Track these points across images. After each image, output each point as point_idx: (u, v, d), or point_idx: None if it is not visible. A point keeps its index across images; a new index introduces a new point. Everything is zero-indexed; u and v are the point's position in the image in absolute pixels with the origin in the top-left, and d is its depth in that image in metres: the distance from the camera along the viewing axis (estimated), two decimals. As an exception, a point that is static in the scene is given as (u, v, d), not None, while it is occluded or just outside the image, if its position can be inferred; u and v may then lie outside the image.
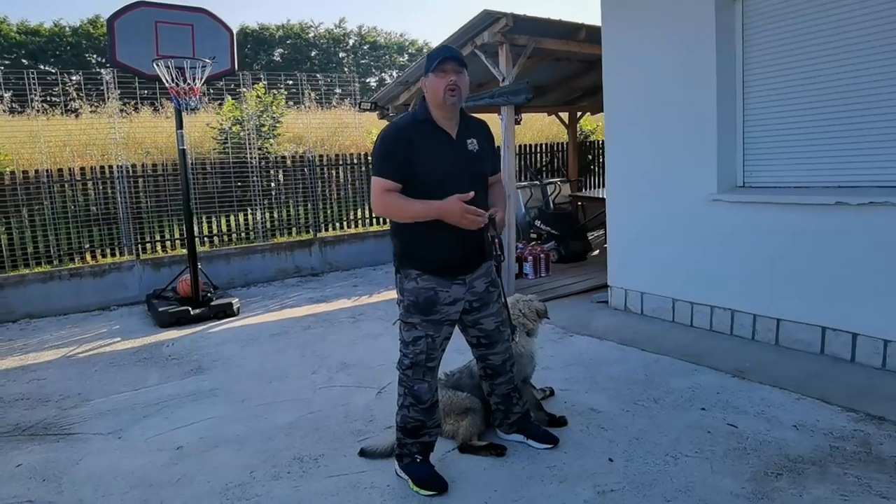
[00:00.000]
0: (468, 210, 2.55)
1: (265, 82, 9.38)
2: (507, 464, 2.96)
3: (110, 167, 6.95)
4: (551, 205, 8.87)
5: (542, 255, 7.05)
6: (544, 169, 10.37)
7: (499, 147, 10.34)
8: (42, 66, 30.89)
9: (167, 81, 5.29)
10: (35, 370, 4.71)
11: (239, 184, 7.86)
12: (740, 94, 4.55)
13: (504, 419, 3.14)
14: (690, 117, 4.70)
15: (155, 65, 5.24)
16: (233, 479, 2.95)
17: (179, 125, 5.72)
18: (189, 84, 5.38)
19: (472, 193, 2.58)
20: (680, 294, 4.99)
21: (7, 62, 33.18)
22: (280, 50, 44.92)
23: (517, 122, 6.26)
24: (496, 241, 2.72)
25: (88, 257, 6.85)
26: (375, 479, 2.90)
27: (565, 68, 7.68)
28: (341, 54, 47.12)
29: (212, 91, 9.33)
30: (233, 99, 9.99)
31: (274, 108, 10.14)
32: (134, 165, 7.16)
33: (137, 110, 11.77)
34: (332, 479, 2.91)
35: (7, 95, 10.38)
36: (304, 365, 4.55)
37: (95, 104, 8.87)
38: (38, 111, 9.94)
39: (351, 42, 47.96)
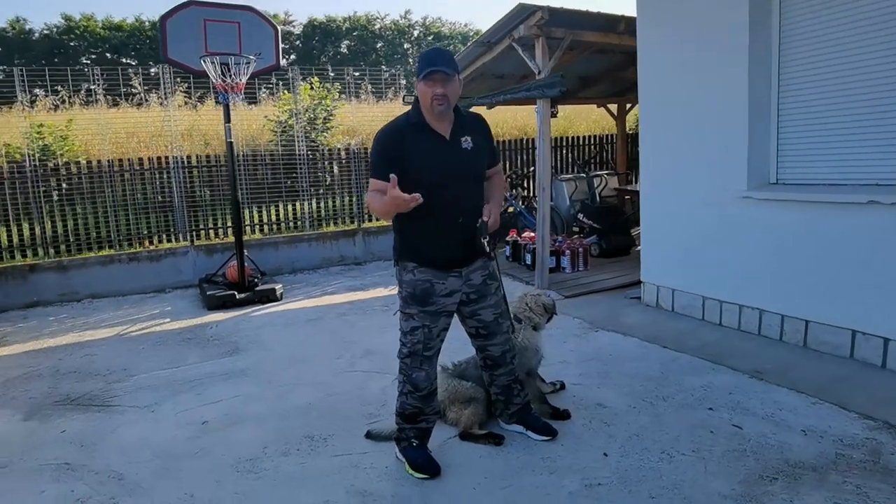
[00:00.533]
0: (402, 197, 2.52)
1: (314, 77, 9.64)
2: (503, 453, 3.04)
3: (167, 158, 7.40)
4: (597, 198, 8.77)
5: (580, 249, 7.00)
6: (592, 161, 10.22)
7: (533, 139, 10.22)
8: (123, 60, 32.83)
9: (213, 77, 5.60)
10: (90, 346, 5.14)
11: (289, 175, 8.18)
12: (775, 87, 4.39)
13: (504, 409, 3.22)
14: (720, 112, 4.57)
15: (202, 61, 5.55)
16: (246, 453, 3.17)
17: (227, 119, 6.04)
18: (234, 80, 5.66)
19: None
20: (709, 292, 4.88)
21: (94, 56, 35.47)
22: (347, 42, 45.82)
23: (553, 115, 6.24)
24: (485, 240, 2.80)
25: (146, 242, 7.34)
26: (376, 460, 3.04)
27: (609, 60, 7.56)
28: (406, 45, 47.60)
29: (269, 84, 9.74)
30: (288, 92, 10.40)
31: (327, 101, 10.46)
32: (189, 156, 7.60)
33: (202, 102, 12.39)
34: (336, 458, 3.08)
35: (89, 88, 11.19)
36: (332, 350, 4.75)
37: (163, 97, 9.38)
38: (109, 104, 10.67)
39: (416, 33, 48.35)
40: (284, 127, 9.10)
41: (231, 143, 6.10)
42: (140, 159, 7.45)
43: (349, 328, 5.32)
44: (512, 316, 3.45)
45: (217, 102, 13.18)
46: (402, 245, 2.88)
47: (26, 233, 6.82)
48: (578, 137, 10.47)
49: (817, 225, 4.06)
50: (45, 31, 34.91)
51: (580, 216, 8.00)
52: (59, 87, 9.42)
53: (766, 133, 4.44)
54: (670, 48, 4.96)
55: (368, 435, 3.27)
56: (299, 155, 8.22)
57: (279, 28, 6.22)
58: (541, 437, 3.13)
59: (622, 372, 4.00)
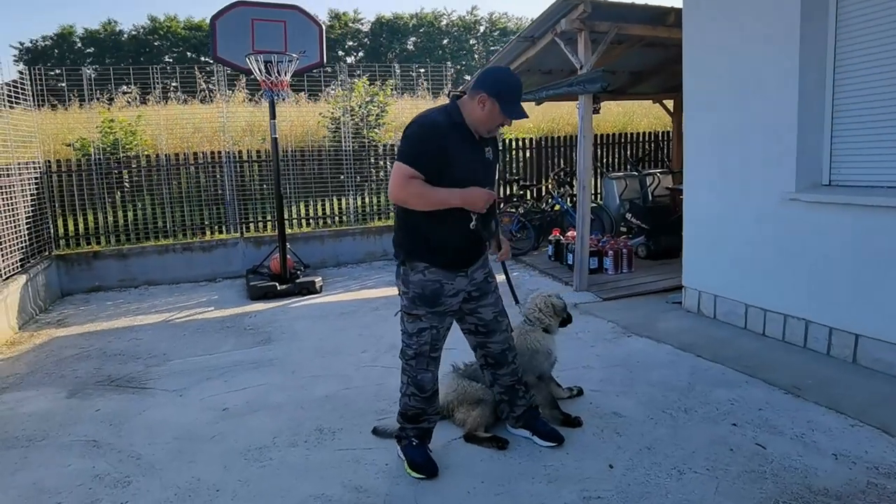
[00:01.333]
0: (491, 195, 2.69)
1: (363, 77, 9.76)
2: (505, 457, 2.98)
3: (219, 153, 7.70)
4: (649, 197, 8.46)
5: (623, 250, 6.78)
6: (645, 159, 9.86)
7: (564, 137, 9.99)
8: (202, 58, 34.44)
9: (258, 74, 5.77)
10: (138, 330, 5.42)
11: (336, 170, 8.34)
12: (830, 78, 4.07)
13: (510, 412, 3.15)
14: (767, 106, 4.30)
15: (247, 59, 5.73)
16: (258, 441, 3.26)
17: (272, 115, 6.21)
18: (279, 77, 5.81)
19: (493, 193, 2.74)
20: (753, 299, 4.60)
21: (175, 54, 37.43)
22: (413, 39, 46.26)
23: (596, 112, 6.06)
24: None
25: (200, 234, 7.67)
26: (378, 456, 3.05)
27: (662, 53, 7.24)
28: (472, 41, 47.54)
29: (331, 81, 9.96)
30: (343, 89, 10.60)
31: (380, 97, 10.59)
32: (240, 152, 7.88)
33: (264, 98, 12.83)
34: (340, 452, 3.11)
35: (167, 85, 11.83)
36: (359, 344, 4.81)
37: (218, 94, 9.76)
38: (181, 101, 11.21)
39: (482, 29, 48.22)
40: (338, 123, 9.29)
41: (276, 138, 6.27)
42: (195, 154, 7.79)
43: (380, 323, 5.36)
44: (524, 317, 3.38)
45: (259, 99, 13.66)
46: (414, 245, 2.80)
47: (91, 222, 7.27)
48: (632, 134, 10.14)
49: (874, 232, 3.74)
50: (133, 32, 37.13)
51: (628, 215, 7.75)
52: (144, 85, 9.96)
53: (818, 129, 4.14)
54: (714, 38, 4.71)
55: (375, 431, 3.28)
56: (345, 151, 8.35)
57: (324, 27, 6.33)
58: (546, 443, 3.05)
59: (646, 380, 3.83)
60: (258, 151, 8.03)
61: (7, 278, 5.62)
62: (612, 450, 3.01)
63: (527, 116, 2.72)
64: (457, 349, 3.53)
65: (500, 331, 3.02)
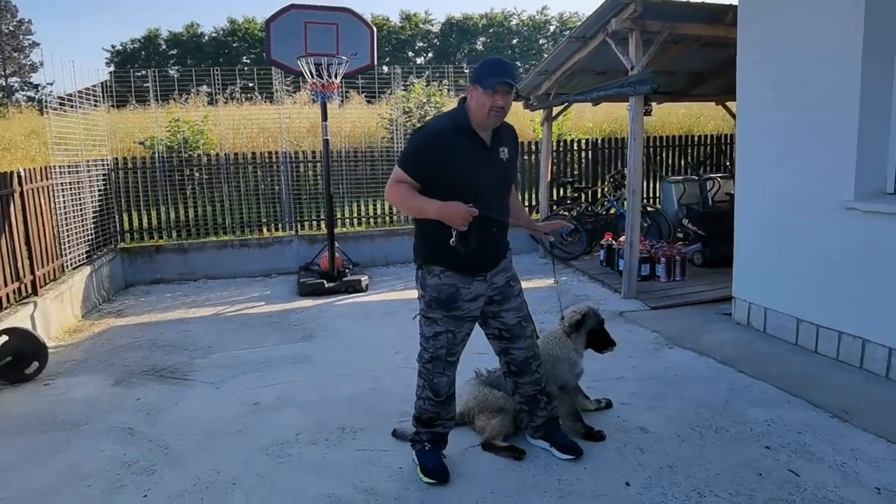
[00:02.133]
0: (471, 213, 2.55)
1: (426, 75, 9.82)
2: (519, 468, 2.93)
3: (276, 153, 7.95)
4: (709, 202, 8.10)
5: (676, 257, 6.51)
6: (706, 162, 9.44)
7: (651, 137, 9.71)
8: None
9: (308, 76, 5.91)
10: (189, 323, 5.68)
11: (389, 170, 8.44)
12: (897, 81, 3.75)
13: (529, 422, 3.10)
14: (822, 107, 4.01)
15: (298, 61, 5.89)
16: (281, 437, 3.34)
17: (324, 117, 6.35)
18: (329, 79, 5.94)
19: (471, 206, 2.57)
20: (805, 314, 4.32)
21: (253, 55, 39.00)
22: (483, 39, 46.29)
23: (647, 114, 5.85)
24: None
25: (257, 231, 7.96)
26: (394, 459, 3.07)
27: (723, 54, 6.89)
28: (542, 41, 47.06)
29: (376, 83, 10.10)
30: (402, 91, 10.73)
31: (437, 98, 10.65)
32: (295, 152, 8.11)
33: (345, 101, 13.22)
34: (358, 452, 3.15)
35: (244, 86, 12.38)
36: (394, 344, 4.84)
37: (284, 95, 10.05)
38: (254, 101, 11.65)
39: (552, 28, 47.64)
40: (396, 125, 9.41)
41: (326, 140, 6.41)
42: (253, 154, 8.08)
43: (417, 324, 5.37)
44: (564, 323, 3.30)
45: (313, 101, 14.04)
46: (430, 248, 2.81)
47: (154, 218, 7.69)
48: (694, 136, 9.74)
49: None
50: (213, 34, 38.97)
51: (684, 221, 7.44)
52: (220, 85, 10.42)
53: (882, 132, 3.82)
54: (769, 35, 4.43)
55: (395, 433, 3.29)
56: (398, 151, 8.44)
57: (374, 29, 6.42)
58: (564, 456, 2.97)
59: (680, 395, 3.67)
60: (313, 152, 8.24)
61: (73, 269, 6.02)
62: (632, 467, 2.89)
63: (506, 84, 2.56)
64: (488, 353, 3.48)
65: (524, 337, 2.97)
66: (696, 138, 9.75)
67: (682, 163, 9.56)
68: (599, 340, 3.27)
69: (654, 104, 9.99)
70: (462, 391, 3.38)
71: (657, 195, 9.23)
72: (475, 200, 2.59)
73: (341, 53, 6.11)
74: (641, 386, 3.84)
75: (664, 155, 9.57)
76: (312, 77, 5.94)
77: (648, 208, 8.26)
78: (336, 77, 6.00)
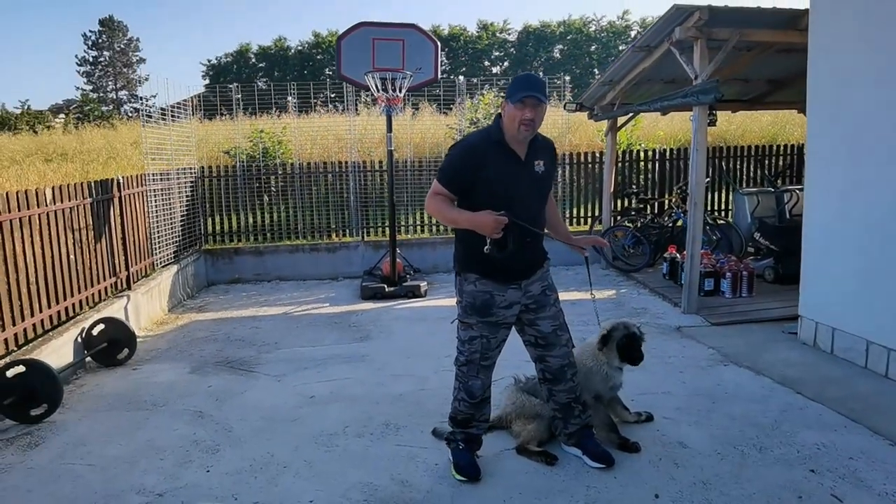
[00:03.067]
0: (499, 221, 2.66)
1: (487, 88, 9.97)
2: (550, 472, 3.00)
3: (345, 163, 8.34)
4: (786, 215, 7.75)
5: (743, 272, 6.29)
6: (786, 173, 9.01)
7: (726, 147, 9.40)
8: (357, 72, 37.00)
9: (374, 91, 6.20)
10: (260, 320, 6.08)
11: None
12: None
13: (563, 429, 3.15)
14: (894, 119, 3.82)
15: (365, 77, 6.19)
16: (330, 428, 3.57)
17: (389, 129, 6.63)
18: (395, 93, 6.21)
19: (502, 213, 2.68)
20: (875, 335, 4.10)
21: (335, 67, 40.54)
22: (560, 46, 45.88)
23: (712, 124, 5.72)
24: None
25: (327, 237, 8.37)
26: (431, 455, 3.22)
27: (802, 59, 6.58)
28: (622, 47, 46.13)
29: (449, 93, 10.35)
30: (472, 101, 10.96)
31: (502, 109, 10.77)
32: (364, 162, 8.47)
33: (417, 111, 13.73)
34: (397, 448, 3.32)
35: (326, 98, 13.06)
36: (444, 347, 4.93)
37: (353, 107, 10.50)
38: (332, 111, 12.20)
39: (633, 34, 46.55)
40: (462, 135, 9.61)
41: (391, 151, 6.68)
42: (325, 164, 8.51)
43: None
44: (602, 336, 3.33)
45: (396, 112, 14.49)
46: (466, 256, 2.94)
47: (234, 222, 8.25)
48: (775, 146, 9.32)
49: None
50: (299, 48, 40.84)
51: (756, 235, 7.16)
52: (303, 96, 11.02)
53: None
54: (839, 42, 4.27)
55: (434, 432, 3.44)
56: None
57: (438, 44, 6.64)
58: (596, 464, 3.02)
59: (727, 413, 3.59)
60: (381, 161, 8.57)
61: (162, 267, 6.59)
62: (664, 480, 2.90)
63: (533, 96, 2.65)
64: (514, 361, 3.58)
65: (560, 345, 3.04)
66: (776, 148, 9.33)
67: (760, 174, 9.17)
68: (630, 354, 3.28)
69: (730, 112, 9.71)
70: (500, 397, 3.49)
71: (731, 207, 8.90)
72: (508, 210, 2.69)
73: (406, 68, 6.37)
74: (687, 402, 3.79)
75: (741, 165, 9.22)
76: (378, 91, 6.22)
77: (719, 221, 8.00)
78: (401, 91, 6.25)
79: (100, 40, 42.39)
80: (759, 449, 3.16)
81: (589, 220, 8.81)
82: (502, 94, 11.05)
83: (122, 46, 43.01)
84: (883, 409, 3.56)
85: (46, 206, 4.68)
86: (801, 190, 7.84)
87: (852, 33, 4.24)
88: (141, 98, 36.60)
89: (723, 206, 9.15)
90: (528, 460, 3.12)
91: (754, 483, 2.84)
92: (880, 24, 4.01)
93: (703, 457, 3.10)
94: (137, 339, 5.09)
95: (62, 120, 24.36)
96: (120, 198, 5.87)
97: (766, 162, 9.23)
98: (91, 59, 42.38)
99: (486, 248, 2.70)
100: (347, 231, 8.43)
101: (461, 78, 9.39)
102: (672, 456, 3.12)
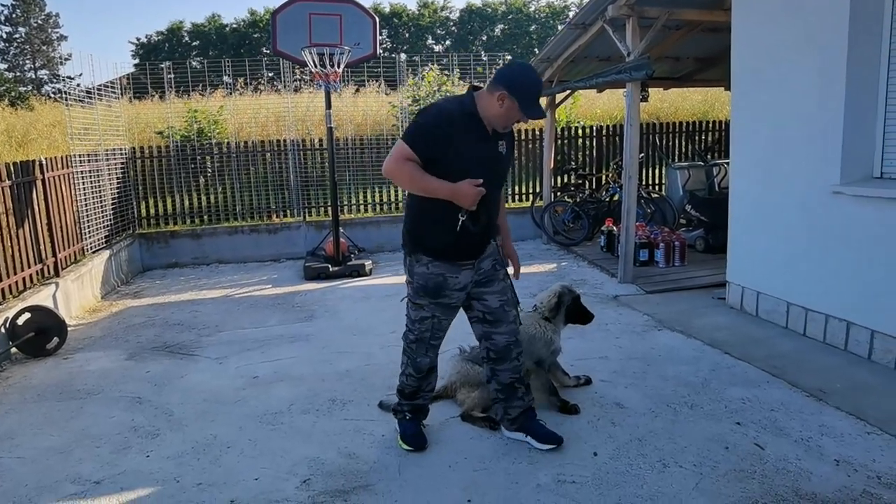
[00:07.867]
0: (479, 192, 2.61)
1: (434, 65, 9.91)
2: (494, 437, 3.09)
3: (284, 141, 8.16)
4: (715, 188, 8.11)
5: (675, 243, 6.57)
6: (715, 148, 9.40)
7: (662, 123, 9.68)
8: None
9: (312, 67, 6.07)
10: (200, 304, 5.92)
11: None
12: (885, 55, 3.75)
13: (504, 414, 3.05)
14: (810, 89, 4.05)
15: (302, 52, 6.05)
16: (275, 407, 3.54)
17: (328, 105, 6.52)
18: (332, 69, 6.10)
19: (480, 182, 2.63)
20: (794, 298, 4.38)
21: (270, 47, 39.31)
22: (501, 26, 45.94)
23: (644, 100, 5.90)
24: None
25: (266, 217, 8.19)
26: (377, 428, 3.24)
27: (727, 38, 6.87)
28: (560, 27, 46.62)
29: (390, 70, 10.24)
30: (413, 79, 10.85)
31: (447, 86, 10.74)
32: (303, 140, 8.30)
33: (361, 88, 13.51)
34: (344, 422, 3.33)
35: (268, 77, 12.63)
36: (390, 324, 5.00)
37: (290, 84, 10.21)
38: (270, 91, 11.83)
39: (570, 14, 47.10)
40: (404, 113, 9.54)
41: (331, 128, 6.58)
42: (262, 143, 8.30)
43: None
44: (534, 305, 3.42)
45: (335, 90, 14.22)
46: (417, 238, 2.84)
47: (170, 205, 7.96)
48: (704, 122, 9.71)
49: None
50: (234, 26, 39.34)
51: (687, 207, 7.46)
52: (239, 75, 10.64)
53: (868, 115, 3.85)
54: (759, 18, 4.47)
55: (381, 405, 3.47)
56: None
57: (377, 19, 6.54)
58: (543, 446, 2.93)
59: (661, 374, 3.77)
60: (320, 140, 8.43)
61: (93, 253, 6.30)
62: (602, 438, 3.03)
63: (544, 116, 2.72)
64: (460, 334, 3.63)
65: (507, 322, 2.95)
66: (706, 124, 9.71)
67: (691, 149, 9.53)
68: (579, 314, 3.38)
69: (662, 89, 10.00)
70: (446, 366, 3.53)
71: (664, 181, 9.23)
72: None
73: (345, 43, 6.26)
74: (624, 365, 3.96)
75: (673, 141, 9.55)
76: (316, 67, 6.09)
77: (653, 195, 8.29)
78: (339, 66, 6.15)
79: (13, 15, 39.53)
80: (691, 406, 3.34)
81: (530, 196, 8.95)
82: (445, 72, 11.04)
83: (39, 22, 40.26)
84: (801, 365, 3.81)
85: (-40, 188, 4.39)
86: (729, 164, 8.26)
87: (770, 7, 4.43)
88: (64, 78, 34.45)
89: (656, 181, 9.47)
90: (473, 427, 3.19)
91: (686, 437, 3.00)
92: None
93: (638, 415, 3.25)
94: (69, 328, 4.88)
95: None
96: (43, 180, 5.56)
97: (697, 137, 9.59)
98: (4, 36, 39.53)
99: (461, 219, 2.65)
100: (289, 211, 8.28)
101: (402, 56, 9.28)
102: (609, 416, 3.26)
